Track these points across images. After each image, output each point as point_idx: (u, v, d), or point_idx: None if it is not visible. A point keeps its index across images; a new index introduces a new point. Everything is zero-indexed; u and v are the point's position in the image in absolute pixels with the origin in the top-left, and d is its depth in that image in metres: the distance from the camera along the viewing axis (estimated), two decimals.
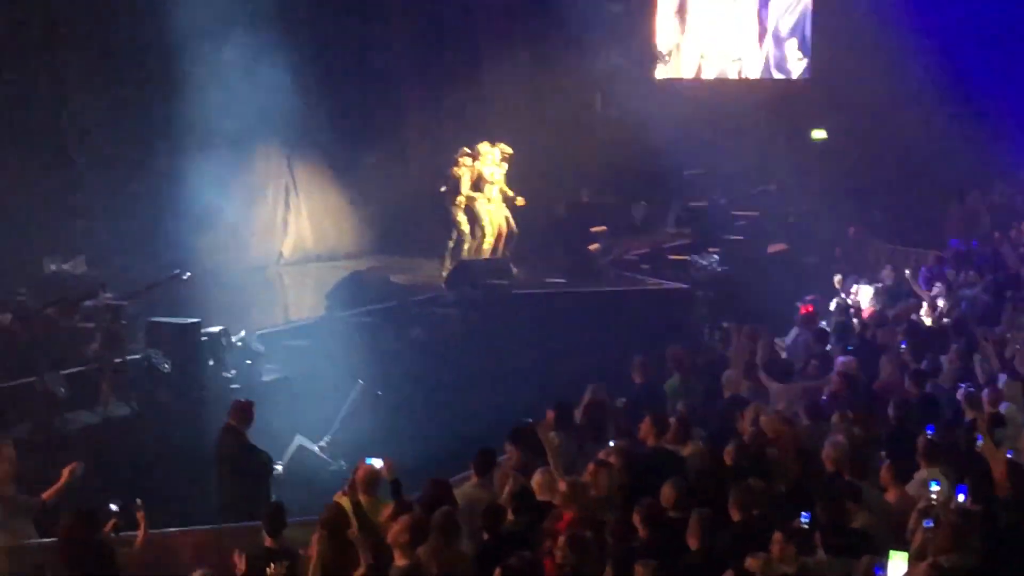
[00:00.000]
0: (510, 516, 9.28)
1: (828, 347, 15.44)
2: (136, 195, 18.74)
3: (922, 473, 10.37)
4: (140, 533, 9.56)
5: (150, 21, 18.79)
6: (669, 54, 27.16)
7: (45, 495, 10.23)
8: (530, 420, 11.13)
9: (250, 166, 21.14)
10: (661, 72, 27.18)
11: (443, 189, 20.58)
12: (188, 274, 16.44)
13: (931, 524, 8.73)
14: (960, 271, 19.73)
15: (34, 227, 17.44)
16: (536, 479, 9.86)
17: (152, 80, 19.08)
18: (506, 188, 20.80)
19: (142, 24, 18.85)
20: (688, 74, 27.43)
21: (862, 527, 9.15)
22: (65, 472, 10.24)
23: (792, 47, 27.41)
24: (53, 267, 17.08)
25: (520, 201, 20.77)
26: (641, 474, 10.33)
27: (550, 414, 11.48)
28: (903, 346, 15.01)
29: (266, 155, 21.37)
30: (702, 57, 27.37)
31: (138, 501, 9.60)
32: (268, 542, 9.04)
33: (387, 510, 9.37)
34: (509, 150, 20.74)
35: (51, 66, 18.36)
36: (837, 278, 19.86)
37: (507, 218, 20.93)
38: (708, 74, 27.46)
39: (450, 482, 9.96)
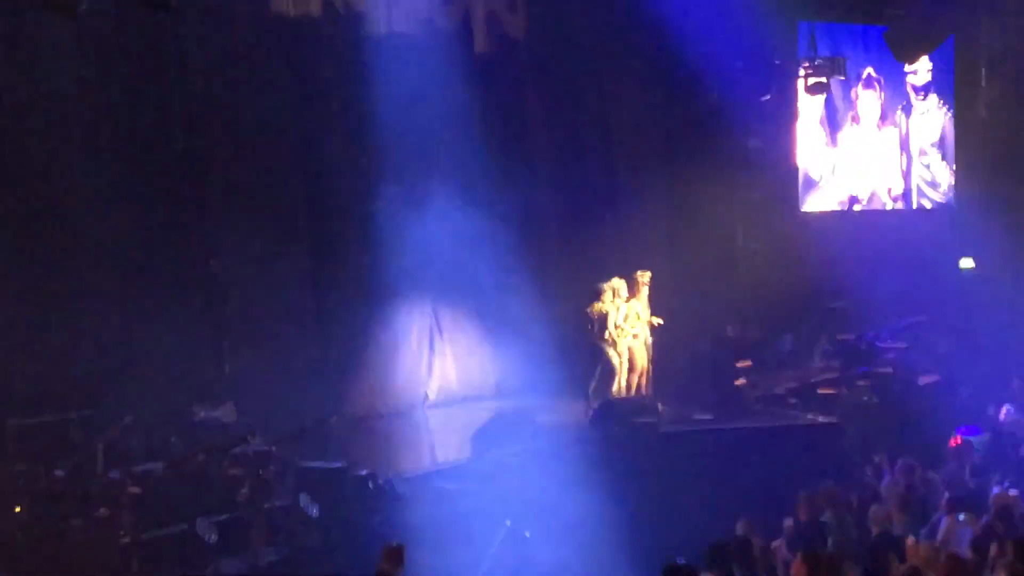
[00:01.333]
0: None
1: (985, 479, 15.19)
2: (284, 342, 19.10)
3: None
4: None
5: (300, 173, 19.31)
6: (819, 180, 27.10)
7: None
8: (681, 561, 11.09)
9: (395, 310, 21.46)
10: (808, 204, 27.12)
11: (590, 327, 20.60)
12: (335, 418, 16.66)
13: None
14: None
15: (184, 373, 17.80)
16: None
17: (299, 230, 19.54)
18: (650, 317, 20.74)
19: (293, 174, 19.38)
20: (834, 205, 27.35)
21: None
22: None
23: (937, 166, 27.20)
24: (203, 414, 17.39)
25: (657, 321, 20.67)
26: None
27: None
28: None
29: (410, 299, 21.68)
30: (849, 188, 27.30)
31: None
32: None
33: None
34: (646, 275, 20.75)
35: (202, 209, 18.82)
36: (992, 408, 19.55)
37: (649, 355, 20.90)
38: (854, 203, 27.35)
39: None
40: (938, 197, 27.45)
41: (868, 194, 27.47)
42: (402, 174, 20.83)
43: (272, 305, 19.16)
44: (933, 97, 27.43)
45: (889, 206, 27.45)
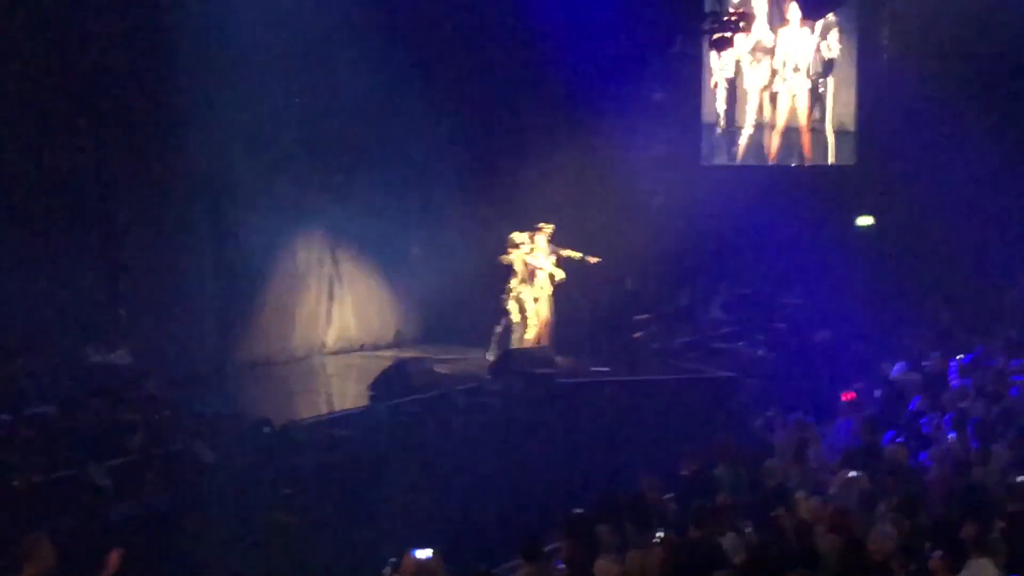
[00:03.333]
0: None
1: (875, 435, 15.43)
2: (179, 286, 18.98)
3: (973, 564, 10.37)
4: None
5: (196, 115, 19.09)
6: (720, 129, 27.13)
7: None
8: (580, 510, 11.23)
9: (293, 257, 21.39)
10: (712, 158, 27.21)
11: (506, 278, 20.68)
12: (231, 363, 16.61)
13: None
14: (1012, 358, 19.68)
15: (78, 316, 17.63)
16: (598, 566, 9.92)
17: (197, 174, 19.36)
18: (572, 253, 20.82)
19: (189, 119, 19.15)
20: (737, 160, 27.40)
21: None
22: (114, 558, 10.40)
23: (841, 124, 27.31)
24: (97, 357, 17.26)
25: (593, 260, 20.80)
26: (684, 566, 10.38)
27: None
28: (951, 436, 15.00)
29: (308, 246, 21.59)
30: (750, 137, 27.34)
31: None
32: None
33: None
34: (549, 227, 20.87)
35: (98, 150, 18.56)
36: (886, 364, 19.84)
37: (550, 307, 21.02)
38: (756, 156, 27.38)
39: (496, 573, 10.03)
40: (841, 159, 27.56)
41: (772, 150, 27.56)
42: (306, 118, 20.71)
43: (168, 249, 19.00)
44: (837, 50, 27.49)
45: (794, 163, 27.53)
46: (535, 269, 20.72)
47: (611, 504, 11.79)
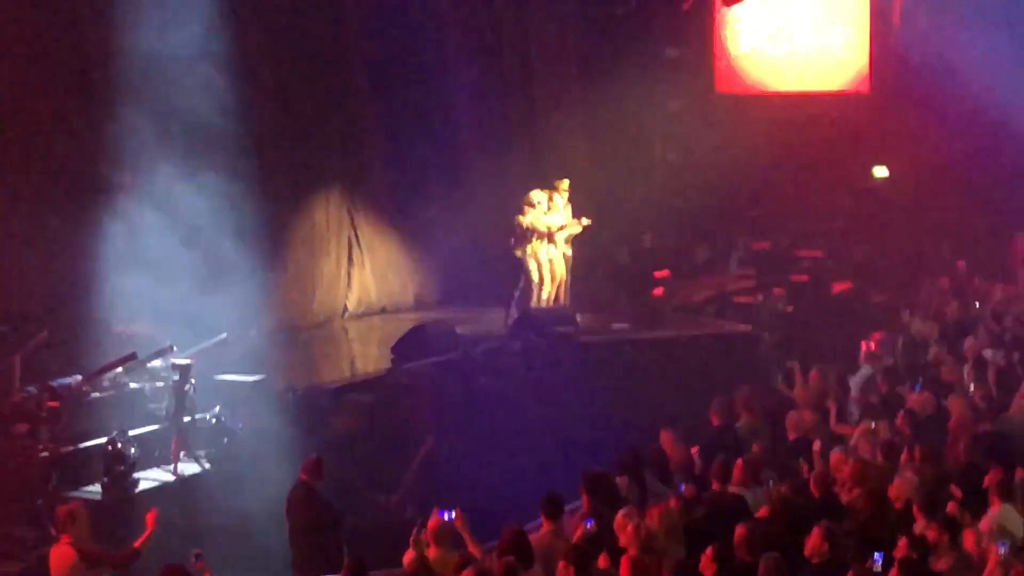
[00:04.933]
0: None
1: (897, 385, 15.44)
2: (201, 255, 18.98)
3: (995, 509, 10.40)
4: None
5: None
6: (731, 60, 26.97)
7: (136, 543, 10.56)
8: (599, 467, 11.28)
9: (311, 220, 21.38)
10: (723, 85, 27.00)
11: (512, 240, 20.65)
12: (254, 331, 16.64)
13: (1005, 547, 8.78)
14: None
15: (100, 288, 17.66)
16: (618, 520, 9.97)
17: (216, 136, 19.30)
18: (571, 229, 20.82)
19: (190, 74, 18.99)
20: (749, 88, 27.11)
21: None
22: (149, 519, 10.56)
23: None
24: (120, 328, 17.30)
25: (585, 221, 20.77)
26: (707, 518, 10.42)
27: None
28: (972, 384, 15.01)
29: (326, 209, 21.58)
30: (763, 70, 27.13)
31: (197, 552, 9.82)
32: None
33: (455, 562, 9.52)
34: (564, 183, 20.83)
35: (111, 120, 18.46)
36: (906, 314, 19.84)
37: (568, 266, 21.00)
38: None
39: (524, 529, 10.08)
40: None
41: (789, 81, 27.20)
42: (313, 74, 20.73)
43: (187, 218, 18.97)
44: None
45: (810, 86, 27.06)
46: (553, 228, 20.66)
47: (631, 458, 11.83)
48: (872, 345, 17.01)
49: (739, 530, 9.55)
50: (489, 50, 24.06)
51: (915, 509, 10.29)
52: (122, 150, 17.96)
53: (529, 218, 20.51)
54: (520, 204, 20.56)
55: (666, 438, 13.08)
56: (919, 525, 10.01)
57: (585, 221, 20.75)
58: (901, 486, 10.77)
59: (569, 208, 20.88)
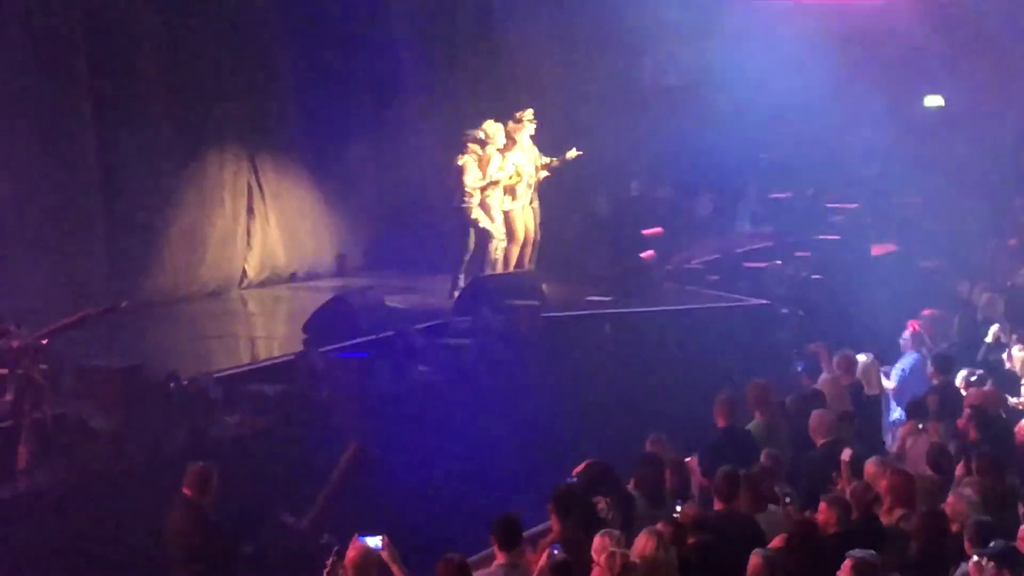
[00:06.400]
0: None
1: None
2: (60, 205, 18.90)
3: None
4: None
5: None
6: None
7: None
8: (573, 480, 11.28)
9: (202, 166, 21.25)
10: None
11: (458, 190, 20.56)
12: (126, 302, 16.54)
13: None
14: None
15: None
16: (595, 545, 9.97)
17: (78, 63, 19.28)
18: (545, 159, 20.74)
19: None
20: None
21: None
22: None
23: None
24: None
25: (572, 154, 20.73)
26: (707, 546, 10.41)
27: None
28: None
29: (220, 150, 21.46)
30: None
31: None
32: None
33: None
34: (528, 114, 20.72)
35: None
36: (963, 285, 19.92)
37: (535, 221, 20.94)
38: None
39: (469, 562, 10.05)
40: None
41: None
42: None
43: (44, 157, 18.88)
44: None
45: None
46: (512, 172, 20.56)
47: (612, 471, 11.81)
48: (919, 325, 17.05)
49: (752, 561, 9.54)
50: None
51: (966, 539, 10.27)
52: None
53: (477, 157, 20.39)
54: (463, 141, 20.45)
55: (656, 444, 13.06)
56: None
57: (572, 153, 20.71)
58: (957, 505, 10.77)
59: (535, 149, 20.84)
